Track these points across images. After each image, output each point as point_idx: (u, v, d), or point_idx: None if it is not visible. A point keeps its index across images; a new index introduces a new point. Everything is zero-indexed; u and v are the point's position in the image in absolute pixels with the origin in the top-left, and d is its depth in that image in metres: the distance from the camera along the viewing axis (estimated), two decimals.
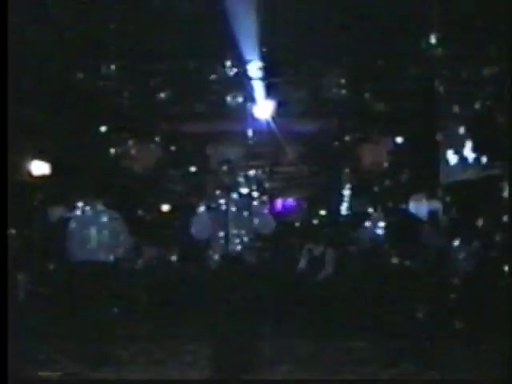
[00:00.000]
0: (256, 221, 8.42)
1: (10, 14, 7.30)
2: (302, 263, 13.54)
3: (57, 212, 14.60)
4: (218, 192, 8.36)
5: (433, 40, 15.15)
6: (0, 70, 7.25)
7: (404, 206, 15.83)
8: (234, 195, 8.43)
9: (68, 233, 9.92)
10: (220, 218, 8.39)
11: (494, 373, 8.25)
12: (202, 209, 8.43)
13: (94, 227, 9.77)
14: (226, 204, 8.35)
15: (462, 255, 12.90)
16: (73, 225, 9.91)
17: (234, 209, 8.42)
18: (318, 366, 9.35)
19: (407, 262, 13.12)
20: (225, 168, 8.34)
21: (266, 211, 8.65)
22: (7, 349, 6.46)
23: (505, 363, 7.96)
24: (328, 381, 8.45)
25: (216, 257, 8.41)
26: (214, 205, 8.36)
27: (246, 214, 8.41)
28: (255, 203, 8.43)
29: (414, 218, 14.99)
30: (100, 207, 9.92)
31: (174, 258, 15.14)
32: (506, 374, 7.67)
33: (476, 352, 9.80)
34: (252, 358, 8.58)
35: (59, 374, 8.71)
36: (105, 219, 9.85)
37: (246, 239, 8.40)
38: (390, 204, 16.43)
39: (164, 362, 9.54)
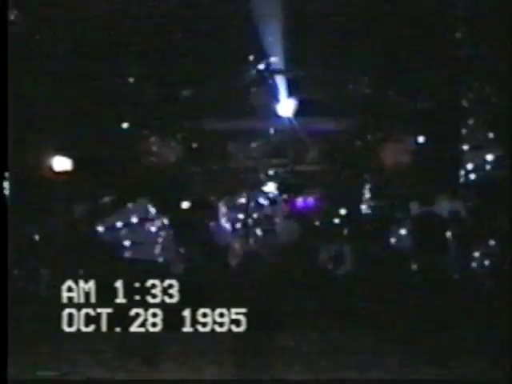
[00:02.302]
0: (280, 230, 8.43)
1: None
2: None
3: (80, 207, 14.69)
4: (239, 190, 8.37)
5: (457, 38, 15.10)
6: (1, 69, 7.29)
7: (426, 206, 15.74)
8: (256, 193, 8.44)
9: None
10: (241, 216, 8.40)
11: (494, 373, 8.16)
12: (223, 207, 8.46)
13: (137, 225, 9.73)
14: (248, 202, 8.36)
15: (482, 255, 12.89)
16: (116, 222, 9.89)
17: (255, 207, 8.44)
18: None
19: (428, 262, 13.09)
20: (247, 166, 8.38)
21: (290, 221, 8.66)
22: (7, 349, 6.46)
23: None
24: (329, 381, 8.37)
25: (237, 254, 8.44)
26: (235, 203, 8.38)
27: (267, 212, 8.42)
28: (278, 209, 8.44)
29: (435, 218, 14.92)
30: (146, 207, 9.89)
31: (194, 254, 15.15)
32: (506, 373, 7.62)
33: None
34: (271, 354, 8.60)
35: (59, 374, 8.56)
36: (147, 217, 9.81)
37: (266, 237, 8.42)
38: (412, 204, 16.35)
39: None
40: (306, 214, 18.34)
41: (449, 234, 14.18)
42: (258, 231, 10.61)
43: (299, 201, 18.61)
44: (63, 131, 15.21)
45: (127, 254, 10.67)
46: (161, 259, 10.91)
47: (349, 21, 14.89)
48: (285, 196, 16.91)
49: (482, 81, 15.10)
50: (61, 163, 15.20)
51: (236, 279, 9.08)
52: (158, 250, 10.19)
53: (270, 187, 16.76)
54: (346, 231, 16.41)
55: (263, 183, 16.44)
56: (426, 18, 14.83)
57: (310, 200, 18.58)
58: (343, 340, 10.93)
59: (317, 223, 17.40)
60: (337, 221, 17.45)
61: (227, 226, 9.46)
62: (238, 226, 9.80)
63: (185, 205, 17.72)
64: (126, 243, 10.72)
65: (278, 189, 17.32)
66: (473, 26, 14.74)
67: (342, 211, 17.58)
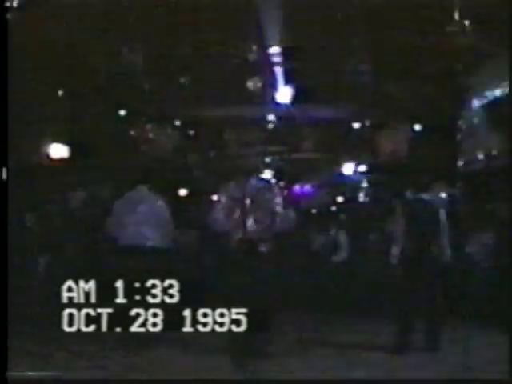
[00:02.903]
0: (276, 217, 8.42)
1: None
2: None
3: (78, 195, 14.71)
4: (236, 177, 8.37)
5: (454, 26, 15.05)
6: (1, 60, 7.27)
7: (422, 194, 15.74)
8: (253, 181, 8.44)
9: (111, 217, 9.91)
10: (237, 204, 8.40)
11: (494, 372, 8.15)
12: (219, 194, 8.46)
13: (138, 211, 9.72)
14: (244, 189, 8.35)
15: (479, 244, 12.94)
16: (117, 208, 9.90)
17: (251, 194, 8.43)
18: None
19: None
20: (243, 153, 8.37)
21: (287, 208, 8.64)
22: (7, 348, 6.48)
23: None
24: (328, 381, 8.36)
25: (233, 243, 8.45)
26: (231, 190, 8.38)
27: (263, 199, 8.41)
28: (276, 196, 8.43)
29: (431, 206, 14.92)
30: (144, 191, 9.89)
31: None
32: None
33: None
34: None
35: (58, 374, 8.50)
36: (149, 203, 9.80)
37: (263, 225, 8.42)
38: (408, 191, 16.38)
39: None
40: (303, 202, 18.43)
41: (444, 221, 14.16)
42: (255, 218, 10.58)
43: (296, 188, 18.71)
44: (61, 118, 15.18)
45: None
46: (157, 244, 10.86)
47: (347, 8, 14.80)
48: (281, 183, 16.97)
49: (479, 69, 15.08)
50: (58, 150, 15.21)
51: (233, 265, 9.08)
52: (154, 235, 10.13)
53: (267, 174, 16.81)
54: (342, 218, 16.43)
55: (260, 170, 16.47)
56: (423, 6, 14.76)
57: (307, 187, 18.67)
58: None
59: (313, 210, 17.49)
60: (333, 208, 17.56)
61: (223, 212, 9.43)
62: (235, 213, 9.79)
63: (182, 192, 17.81)
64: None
65: (275, 176, 17.37)
66: (470, 13, 14.68)
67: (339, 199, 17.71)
